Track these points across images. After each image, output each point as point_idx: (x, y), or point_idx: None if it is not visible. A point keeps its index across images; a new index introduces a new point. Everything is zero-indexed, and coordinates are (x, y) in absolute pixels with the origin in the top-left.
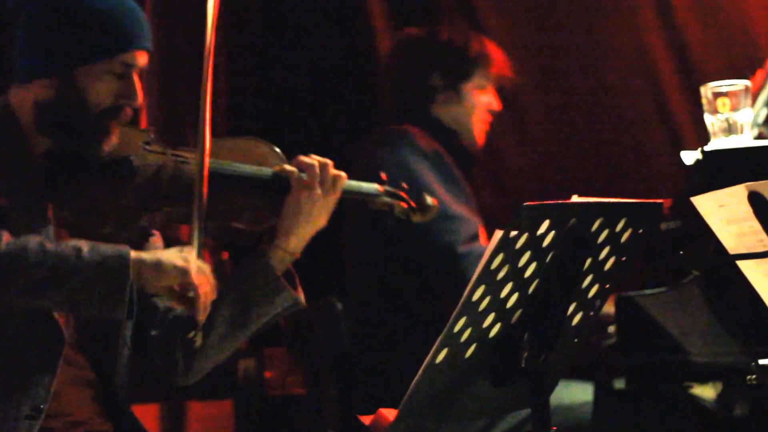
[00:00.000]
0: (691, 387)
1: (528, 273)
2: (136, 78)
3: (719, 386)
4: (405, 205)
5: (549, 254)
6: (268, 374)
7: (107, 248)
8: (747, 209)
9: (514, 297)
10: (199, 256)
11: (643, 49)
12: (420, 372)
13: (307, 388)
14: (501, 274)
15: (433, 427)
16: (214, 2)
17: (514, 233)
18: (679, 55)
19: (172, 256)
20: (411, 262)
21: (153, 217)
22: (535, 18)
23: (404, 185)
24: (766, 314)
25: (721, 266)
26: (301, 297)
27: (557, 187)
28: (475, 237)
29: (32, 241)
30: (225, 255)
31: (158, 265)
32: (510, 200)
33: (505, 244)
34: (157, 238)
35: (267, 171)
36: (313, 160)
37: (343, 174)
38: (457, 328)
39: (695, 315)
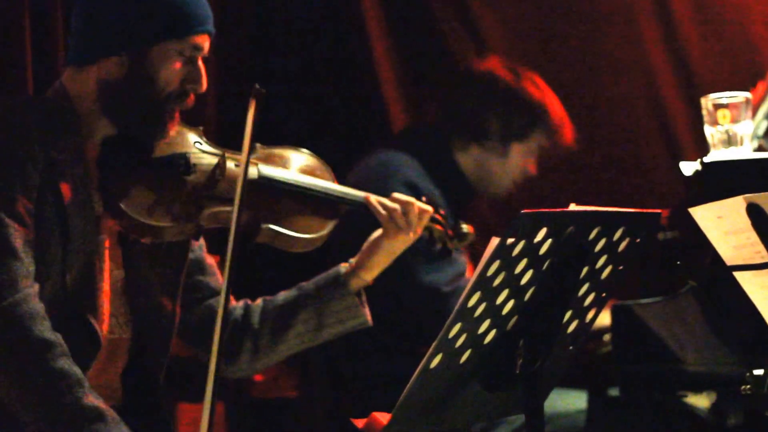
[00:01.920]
0: (686, 396)
1: (524, 280)
2: (201, 63)
3: (713, 396)
4: (442, 229)
5: (546, 262)
6: (259, 377)
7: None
8: (745, 221)
9: (510, 304)
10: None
11: (644, 60)
12: (414, 377)
13: (299, 392)
14: (497, 281)
15: None
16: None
17: (511, 240)
18: (680, 66)
19: None
20: (397, 299)
21: (206, 216)
22: (534, 28)
23: (442, 211)
24: (762, 325)
25: (717, 277)
26: (369, 317)
27: (555, 195)
28: (461, 274)
29: (76, 376)
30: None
31: None
32: (508, 209)
33: (502, 251)
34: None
35: (358, 197)
36: (412, 200)
37: (429, 209)
38: (452, 334)
39: (691, 325)
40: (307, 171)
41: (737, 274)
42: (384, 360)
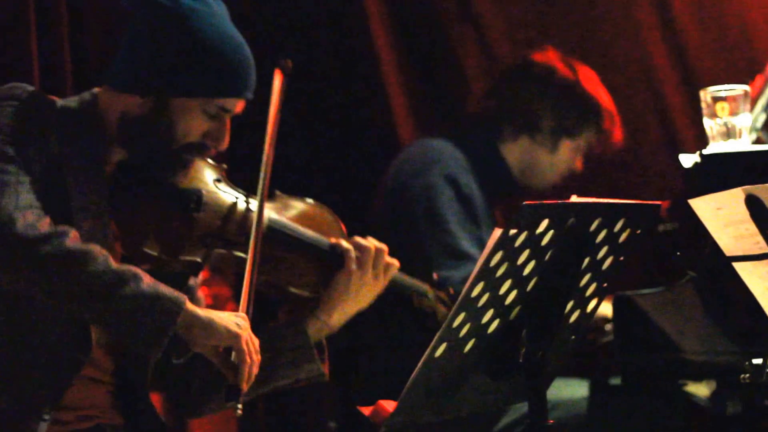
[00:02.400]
0: (686, 385)
1: (527, 271)
2: (228, 122)
3: (713, 384)
4: (446, 311)
5: (548, 253)
6: None
7: (166, 289)
8: (744, 212)
9: (513, 294)
10: (248, 312)
11: (643, 54)
12: (419, 365)
13: None
14: (500, 272)
15: (431, 420)
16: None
17: (513, 231)
18: (679, 59)
19: (226, 319)
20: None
21: (208, 255)
22: (536, 22)
23: (451, 291)
24: (761, 315)
25: (716, 268)
26: (326, 371)
27: (557, 187)
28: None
29: (98, 250)
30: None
31: (210, 324)
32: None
33: (505, 242)
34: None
35: (324, 242)
36: (370, 243)
37: (395, 263)
38: (456, 324)
39: (691, 315)
40: (316, 225)
41: (736, 265)
42: (390, 349)
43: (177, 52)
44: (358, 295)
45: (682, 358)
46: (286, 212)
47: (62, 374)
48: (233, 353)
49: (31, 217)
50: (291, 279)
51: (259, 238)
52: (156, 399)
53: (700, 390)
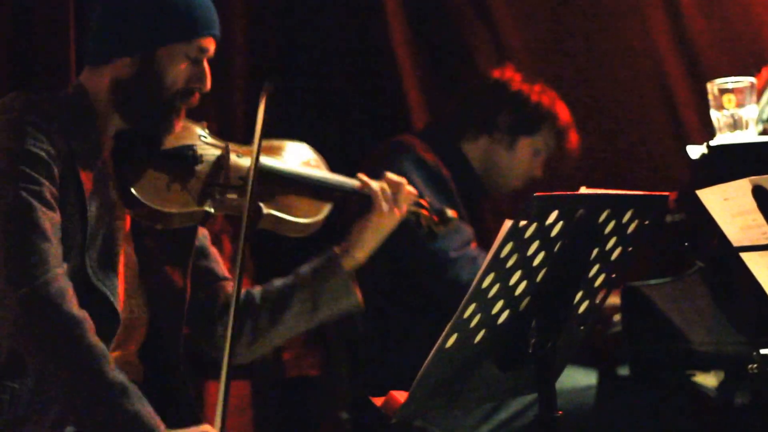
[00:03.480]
0: (694, 375)
1: (536, 262)
2: (206, 64)
3: (721, 375)
4: (427, 214)
5: (557, 244)
6: (284, 356)
7: (147, 413)
8: (751, 203)
9: (523, 285)
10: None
11: (651, 47)
12: (430, 356)
13: (321, 370)
14: (510, 263)
15: (442, 410)
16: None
17: (523, 223)
18: (686, 52)
19: None
20: (407, 268)
21: (214, 203)
22: (546, 15)
23: (427, 198)
24: None
25: (724, 258)
26: (361, 299)
27: (566, 179)
28: (467, 243)
29: (101, 350)
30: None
31: None
32: (519, 192)
33: (515, 234)
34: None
35: (350, 184)
36: (397, 179)
37: (414, 191)
38: (466, 314)
39: (698, 305)
40: (303, 162)
41: (744, 255)
42: (401, 340)
43: (152, 7)
44: (387, 229)
45: (690, 349)
46: (276, 153)
47: None
48: None
49: (61, 278)
50: (292, 211)
51: (254, 187)
52: None
53: (708, 380)
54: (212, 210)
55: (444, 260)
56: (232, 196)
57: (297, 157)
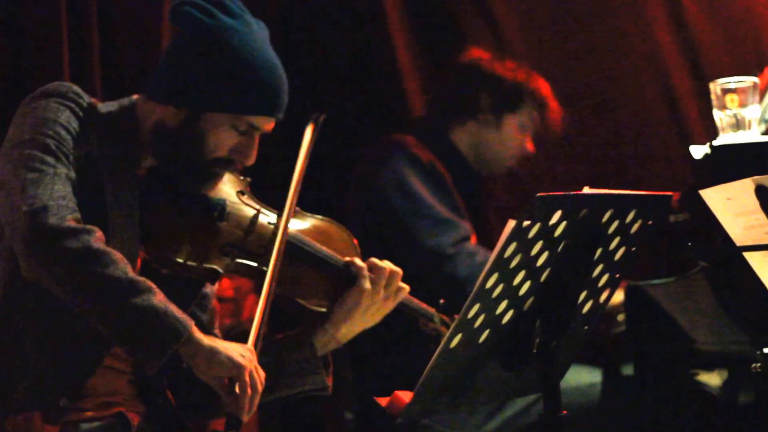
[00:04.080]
0: (697, 374)
1: (540, 262)
2: (256, 139)
3: (724, 374)
4: (445, 330)
5: (561, 244)
6: None
7: (176, 310)
8: (754, 202)
9: (527, 285)
10: (263, 323)
11: (654, 47)
12: (435, 356)
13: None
14: (514, 263)
15: (447, 410)
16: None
17: (527, 223)
18: (689, 52)
19: (231, 349)
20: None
21: (227, 265)
22: (548, 16)
23: (456, 317)
24: None
25: (727, 257)
26: (330, 384)
27: (569, 179)
28: (465, 238)
29: (119, 256)
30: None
31: (213, 354)
32: (523, 192)
33: (518, 234)
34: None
35: (339, 259)
36: (385, 265)
37: (406, 287)
38: (471, 314)
39: (702, 304)
40: (330, 242)
41: (747, 255)
42: (406, 340)
43: (213, 68)
44: (367, 313)
45: (694, 348)
46: (304, 228)
47: (82, 365)
48: (236, 384)
49: (63, 210)
50: (303, 293)
51: (279, 259)
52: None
53: (712, 379)
54: (222, 271)
55: (441, 256)
56: (250, 263)
57: (326, 236)
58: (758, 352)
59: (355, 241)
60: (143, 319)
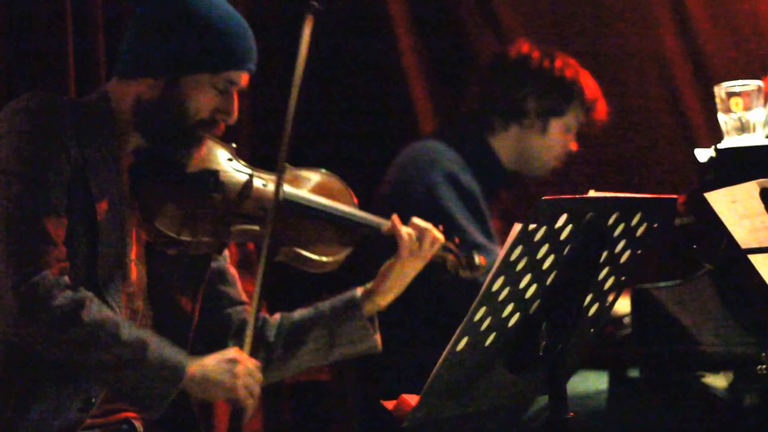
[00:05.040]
0: (703, 376)
1: (546, 265)
2: (235, 96)
3: (730, 376)
4: (454, 259)
5: (566, 247)
6: None
7: (170, 353)
8: (759, 205)
9: (533, 288)
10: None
11: (658, 51)
12: (441, 359)
13: (331, 375)
14: (520, 266)
15: (453, 413)
16: (307, 34)
17: (532, 226)
18: (693, 55)
19: (220, 373)
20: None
21: (230, 232)
22: (552, 21)
23: (456, 240)
24: None
25: (732, 260)
26: (379, 342)
27: (574, 182)
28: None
29: (110, 319)
30: (251, 246)
31: (206, 384)
32: (528, 195)
33: (524, 237)
34: (226, 252)
35: (381, 224)
36: (427, 225)
37: (442, 237)
38: (477, 317)
39: (708, 307)
40: (329, 193)
41: (752, 257)
42: (412, 343)
43: (183, 32)
44: (409, 274)
45: (700, 350)
46: (301, 184)
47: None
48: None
49: (51, 278)
50: (311, 247)
51: (276, 208)
52: None
53: (718, 382)
54: (226, 240)
55: (474, 286)
56: (251, 227)
57: (323, 188)
58: (764, 354)
59: (352, 193)
60: (141, 379)
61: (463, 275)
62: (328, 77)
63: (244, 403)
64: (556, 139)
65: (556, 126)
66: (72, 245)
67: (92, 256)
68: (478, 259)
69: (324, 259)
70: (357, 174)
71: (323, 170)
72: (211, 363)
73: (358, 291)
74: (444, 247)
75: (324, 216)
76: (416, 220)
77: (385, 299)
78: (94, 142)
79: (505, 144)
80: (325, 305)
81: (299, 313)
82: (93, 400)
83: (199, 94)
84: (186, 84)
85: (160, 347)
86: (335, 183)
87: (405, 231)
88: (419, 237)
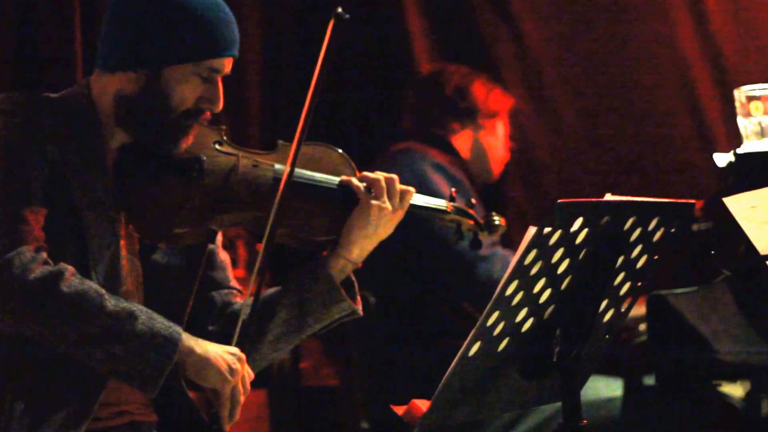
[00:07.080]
0: (720, 385)
1: (561, 269)
2: (220, 83)
3: (747, 385)
4: (473, 223)
5: (582, 251)
6: (302, 365)
7: (161, 324)
8: None
9: (547, 293)
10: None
11: (677, 54)
12: (453, 364)
13: (340, 380)
14: (534, 270)
15: (465, 419)
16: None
17: (547, 230)
18: (713, 59)
19: (221, 359)
20: (435, 272)
21: (221, 220)
22: (570, 19)
23: (473, 201)
24: None
25: (751, 266)
26: (359, 307)
27: (590, 186)
28: (496, 243)
29: (93, 290)
30: (259, 246)
31: (203, 364)
32: (543, 198)
33: (539, 241)
34: (220, 241)
35: (333, 180)
36: (378, 175)
37: (411, 189)
38: (490, 322)
39: (725, 314)
40: (316, 166)
41: None
42: (423, 348)
43: (162, 22)
44: (378, 227)
45: (717, 358)
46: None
47: (92, 387)
48: (219, 395)
49: (28, 254)
50: (307, 226)
51: (282, 193)
52: (193, 395)
53: (735, 390)
54: (217, 228)
55: (475, 258)
56: (243, 213)
57: (311, 161)
58: None
59: (352, 162)
60: (132, 352)
61: (483, 238)
62: (338, 76)
63: (223, 403)
64: (501, 141)
65: (498, 126)
66: (60, 247)
67: (83, 255)
68: (497, 219)
69: (321, 238)
70: (362, 163)
71: (318, 142)
72: (214, 347)
73: (324, 252)
74: (459, 211)
75: (306, 189)
76: (366, 173)
77: (352, 253)
78: (75, 140)
79: (465, 144)
80: (292, 274)
81: (272, 289)
82: (92, 409)
83: (183, 84)
84: (168, 75)
85: (151, 317)
86: (331, 154)
87: (354, 181)
88: (380, 185)
